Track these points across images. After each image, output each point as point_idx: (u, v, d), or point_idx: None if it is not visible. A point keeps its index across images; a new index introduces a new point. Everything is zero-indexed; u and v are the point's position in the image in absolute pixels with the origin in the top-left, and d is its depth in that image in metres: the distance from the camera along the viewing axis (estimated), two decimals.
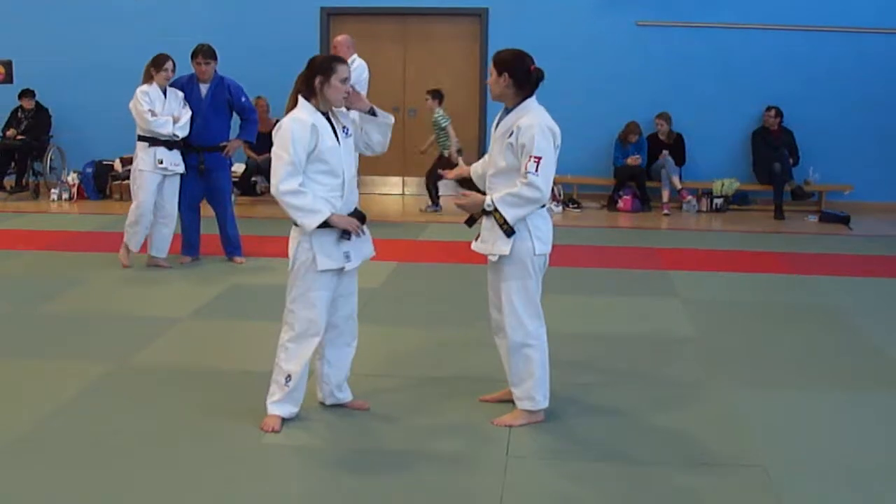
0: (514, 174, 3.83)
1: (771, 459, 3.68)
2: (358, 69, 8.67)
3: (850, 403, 4.40)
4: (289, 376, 3.87)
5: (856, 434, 4.02)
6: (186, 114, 6.88)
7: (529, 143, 3.76)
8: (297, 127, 3.73)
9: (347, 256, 3.86)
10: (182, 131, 6.84)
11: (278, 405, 3.90)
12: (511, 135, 3.81)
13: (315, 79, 3.79)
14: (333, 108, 3.88)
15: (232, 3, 10.81)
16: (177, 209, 7.04)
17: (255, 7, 10.77)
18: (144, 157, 6.84)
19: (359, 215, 3.91)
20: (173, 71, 6.85)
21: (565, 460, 3.68)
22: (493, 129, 4.01)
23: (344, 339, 4.04)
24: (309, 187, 3.76)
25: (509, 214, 3.79)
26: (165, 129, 6.75)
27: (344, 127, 3.91)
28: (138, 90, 6.78)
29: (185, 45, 7.13)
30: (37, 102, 10.74)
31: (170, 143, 6.84)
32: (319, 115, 3.81)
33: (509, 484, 3.44)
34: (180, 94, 6.93)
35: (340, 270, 3.87)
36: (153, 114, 6.72)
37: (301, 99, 3.82)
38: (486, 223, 3.93)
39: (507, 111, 3.92)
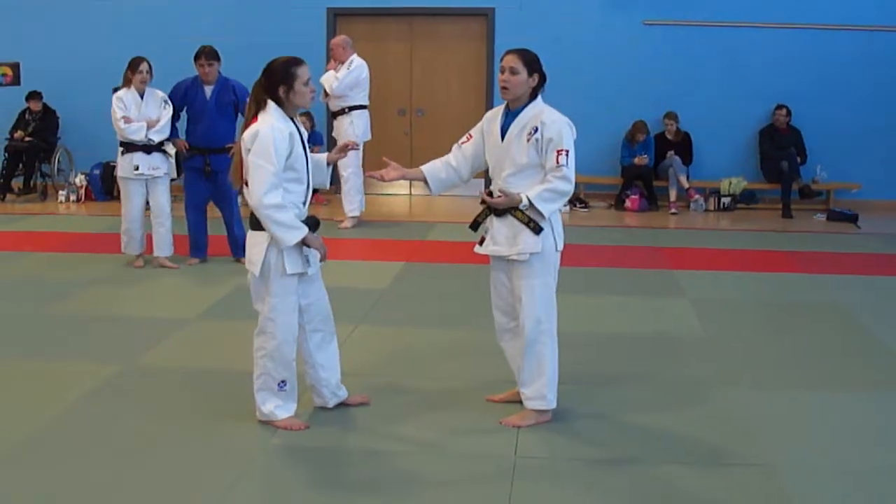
0: (535, 170, 3.84)
1: (780, 459, 3.67)
2: (358, 69, 8.64)
3: (859, 402, 4.38)
4: (283, 382, 3.90)
5: (864, 433, 4.00)
6: (166, 115, 6.87)
7: (557, 137, 3.79)
8: (278, 136, 3.66)
9: (308, 261, 3.85)
10: (158, 135, 6.84)
11: (284, 408, 3.93)
12: (535, 131, 3.81)
13: (279, 89, 3.74)
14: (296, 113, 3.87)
15: (238, 5, 10.81)
16: (170, 208, 7.05)
17: (262, 8, 10.76)
18: (122, 163, 6.88)
19: (314, 221, 3.90)
20: (149, 73, 6.84)
21: (574, 460, 3.67)
22: (491, 131, 3.97)
23: (327, 339, 4.06)
24: (283, 197, 3.72)
25: (546, 210, 3.80)
26: (138, 135, 6.76)
27: (301, 132, 3.87)
28: (114, 96, 6.79)
29: (191, 46, 7.12)
30: (44, 104, 10.75)
31: (148, 148, 6.84)
32: (290, 121, 3.78)
33: (518, 484, 3.43)
34: (160, 94, 6.91)
35: (302, 275, 3.86)
36: (126, 120, 6.73)
37: (272, 104, 3.75)
38: (500, 224, 3.91)
39: (514, 112, 3.90)
